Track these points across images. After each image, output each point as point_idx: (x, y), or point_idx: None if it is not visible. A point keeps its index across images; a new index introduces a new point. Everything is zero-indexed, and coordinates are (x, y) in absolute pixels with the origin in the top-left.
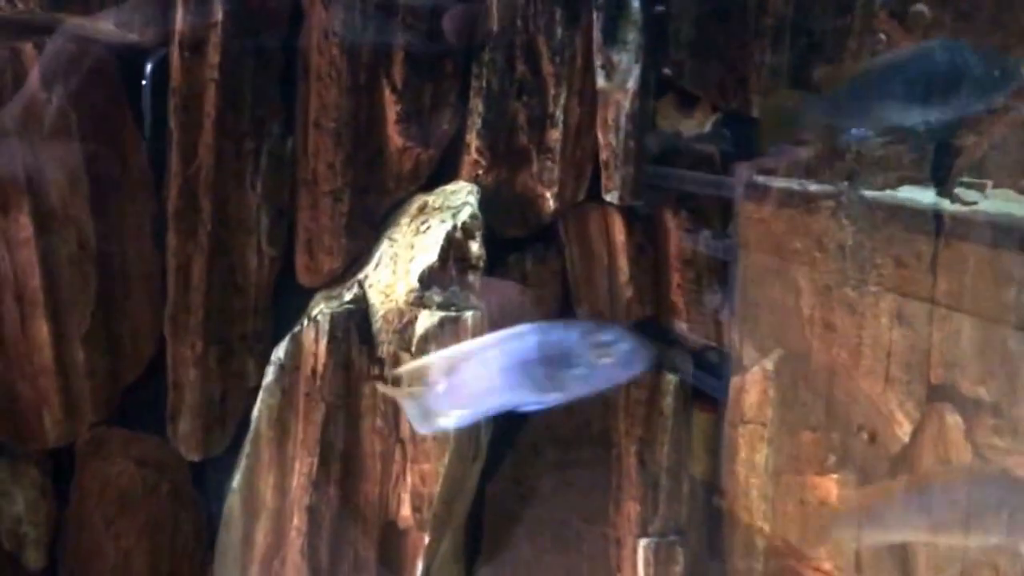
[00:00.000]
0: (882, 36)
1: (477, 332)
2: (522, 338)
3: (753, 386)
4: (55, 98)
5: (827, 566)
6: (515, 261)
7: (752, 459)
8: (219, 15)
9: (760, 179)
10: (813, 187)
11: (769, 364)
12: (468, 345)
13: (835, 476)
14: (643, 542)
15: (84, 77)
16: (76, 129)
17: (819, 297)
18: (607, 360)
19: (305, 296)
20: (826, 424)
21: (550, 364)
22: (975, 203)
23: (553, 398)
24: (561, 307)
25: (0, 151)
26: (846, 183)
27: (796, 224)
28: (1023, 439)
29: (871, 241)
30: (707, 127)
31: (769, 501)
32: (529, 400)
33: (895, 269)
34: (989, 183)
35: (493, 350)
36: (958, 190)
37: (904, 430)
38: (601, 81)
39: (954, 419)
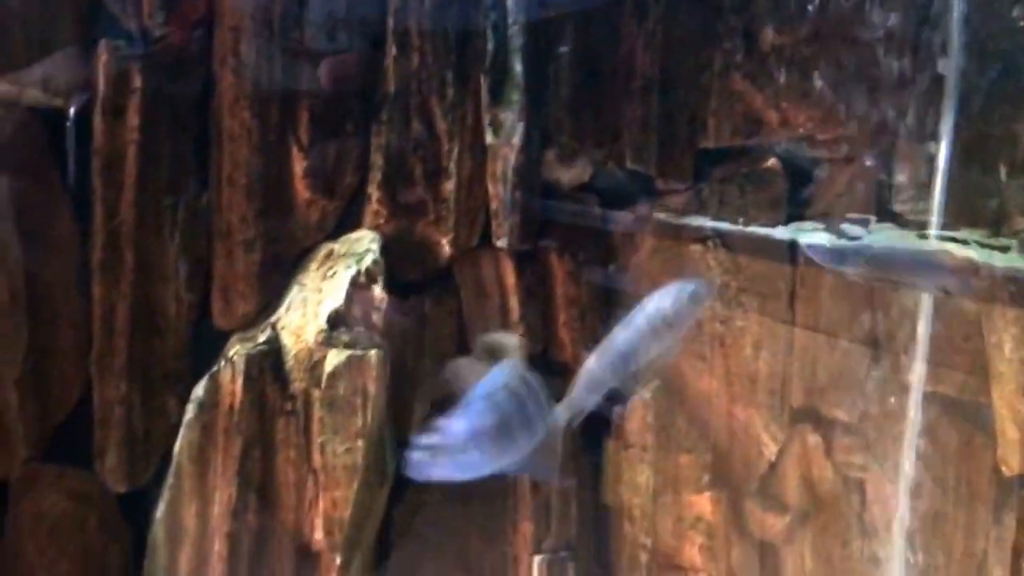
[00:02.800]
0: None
1: (381, 370)
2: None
3: (635, 412)
4: None
5: (703, 575)
6: (415, 304)
7: (634, 480)
8: (138, 82)
9: (639, 222)
10: (684, 230)
11: (647, 394)
12: None
13: (709, 494)
14: (537, 559)
15: (12, 141)
16: (6, 189)
17: (691, 331)
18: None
19: (222, 338)
20: (700, 447)
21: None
22: (859, 238)
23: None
24: (458, 345)
25: None
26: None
27: (670, 264)
28: (877, 456)
29: (736, 280)
30: (586, 177)
31: (650, 518)
32: None
33: (758, 304)
34: (872, 219)
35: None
36: (844, 226)
37: (770, 450)
38: (489, 137)
39: (815, 439)
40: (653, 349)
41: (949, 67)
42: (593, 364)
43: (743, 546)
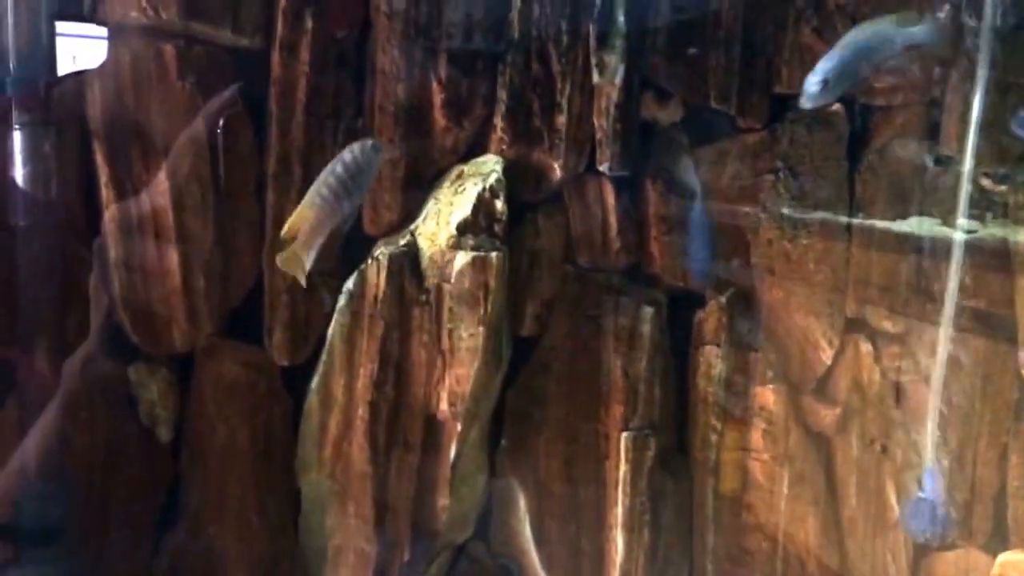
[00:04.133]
0: None
1: (501, 270)
2: None
3: (711, 315)
4: (188, 86)
5: (766, 456)
6: (530, 218)
7: (709, 373)
8: (309, 24)
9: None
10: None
11: (723, 299)
12: None
13: (772, 387)
14: (624, 435)
15: (208, 72)
16: (202, 109)
17: (762, 248)
18: None
19: (369, 242)
20: (766, 347)
21: None
22: (975, 231)
23: None
24: (565, 255)
25: (144, 125)
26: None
27: (746, 194)
28: (919, 364)
29: (802, 205)
30: (678, 116)
31: (722, 406)
32: None
33: (819, 225)
34: (989, 215)
35: None
36: (960, 220)
37: (827, 354)
38: (596, 77)
39: (866, 347)
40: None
41: (983, 24)
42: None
43: (799, 433)
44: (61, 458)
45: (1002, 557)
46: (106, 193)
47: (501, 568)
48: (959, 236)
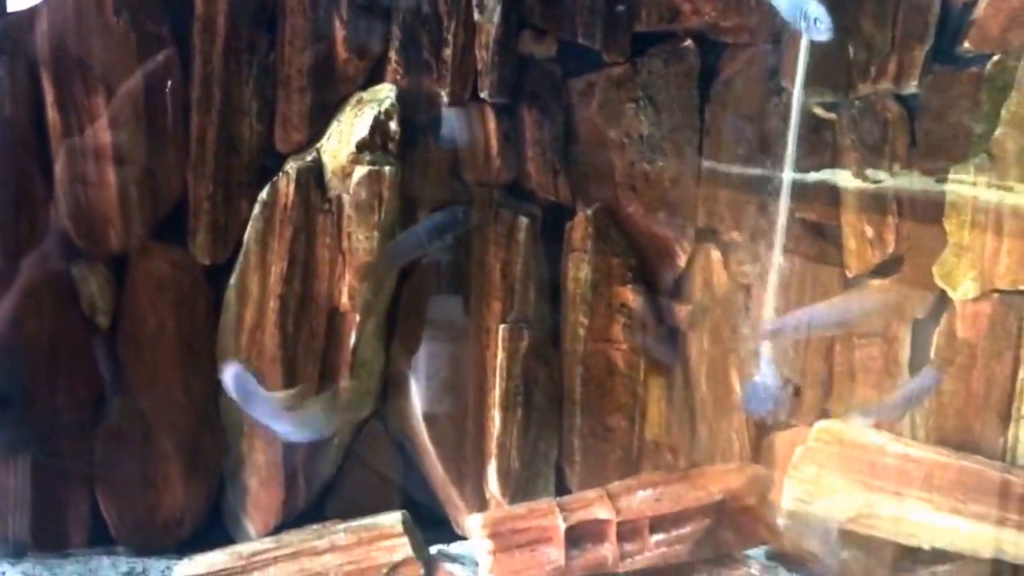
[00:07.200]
0: None
1: (393, 182)
2: None
3: (579, 225)
4: (122, 22)
5: (626, 347)
6: (421, 140)
7: (577, 276)
8: None
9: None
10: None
11: (591, 212)
12: None
13: (631, 287)
14: (502, 327)
15: (140, 11)
16: (136, 41)
17: (625, 168)
18: None
19: (281, 158)
20: (627, 252)
21: None
22: (881, 181)
23: None
24: (452, 171)
25: (84, 56)
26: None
27: (612, 117)
28: (759, 266)
29: (659, 131)
30: (552, 51)
31: (588, 304)
32: None
33: (674, 148)
34: (897, 165)
35: None
36: (868, 171)
37: (681, 260)
38: (476, 16)
39: (716, 253)
40: None
41: None
42: None
43: (656, 328)
44: (13, 340)
45: (818, 424)
46: (52, 115)
47: (396, 444)
48: (790, 152)
